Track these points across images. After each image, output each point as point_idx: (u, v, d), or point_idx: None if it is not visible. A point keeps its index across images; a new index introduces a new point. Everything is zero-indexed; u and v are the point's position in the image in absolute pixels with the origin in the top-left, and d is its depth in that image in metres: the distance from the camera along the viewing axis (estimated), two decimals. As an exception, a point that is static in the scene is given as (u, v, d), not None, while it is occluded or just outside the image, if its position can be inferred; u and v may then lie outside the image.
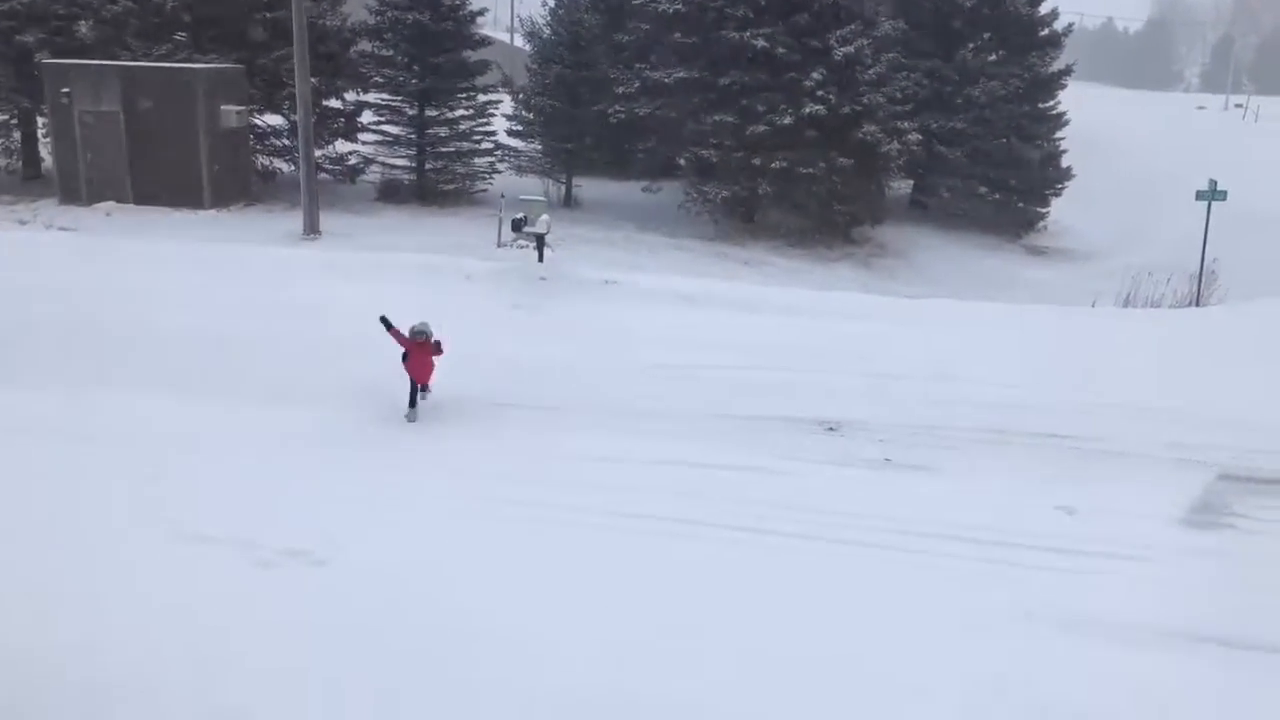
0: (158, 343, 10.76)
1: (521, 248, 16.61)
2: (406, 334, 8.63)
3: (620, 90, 25.94)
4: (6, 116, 24.64)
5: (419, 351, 8.67)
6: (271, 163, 26.10)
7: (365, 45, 26.01)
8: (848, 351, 12.66)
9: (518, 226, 16.05)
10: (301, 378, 9.88)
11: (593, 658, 5.73)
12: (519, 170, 27.47)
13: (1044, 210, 30.01)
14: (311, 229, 20.21)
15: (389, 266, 14.47)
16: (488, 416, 9.84)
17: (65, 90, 21.42)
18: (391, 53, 25.71)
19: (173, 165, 21.55)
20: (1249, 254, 21.90)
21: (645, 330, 12.93)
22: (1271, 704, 5.21)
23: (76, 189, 21.93)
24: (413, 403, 8.91)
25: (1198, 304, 18.33)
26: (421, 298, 11.71)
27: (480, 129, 26.70)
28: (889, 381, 11.44)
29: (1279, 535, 7.44)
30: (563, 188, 27.61)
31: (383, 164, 25.99)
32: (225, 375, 10.06)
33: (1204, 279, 19.36)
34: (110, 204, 21.66)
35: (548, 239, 15.70)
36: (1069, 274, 25.46)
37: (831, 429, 10.01)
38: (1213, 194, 20.83)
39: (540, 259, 15.35)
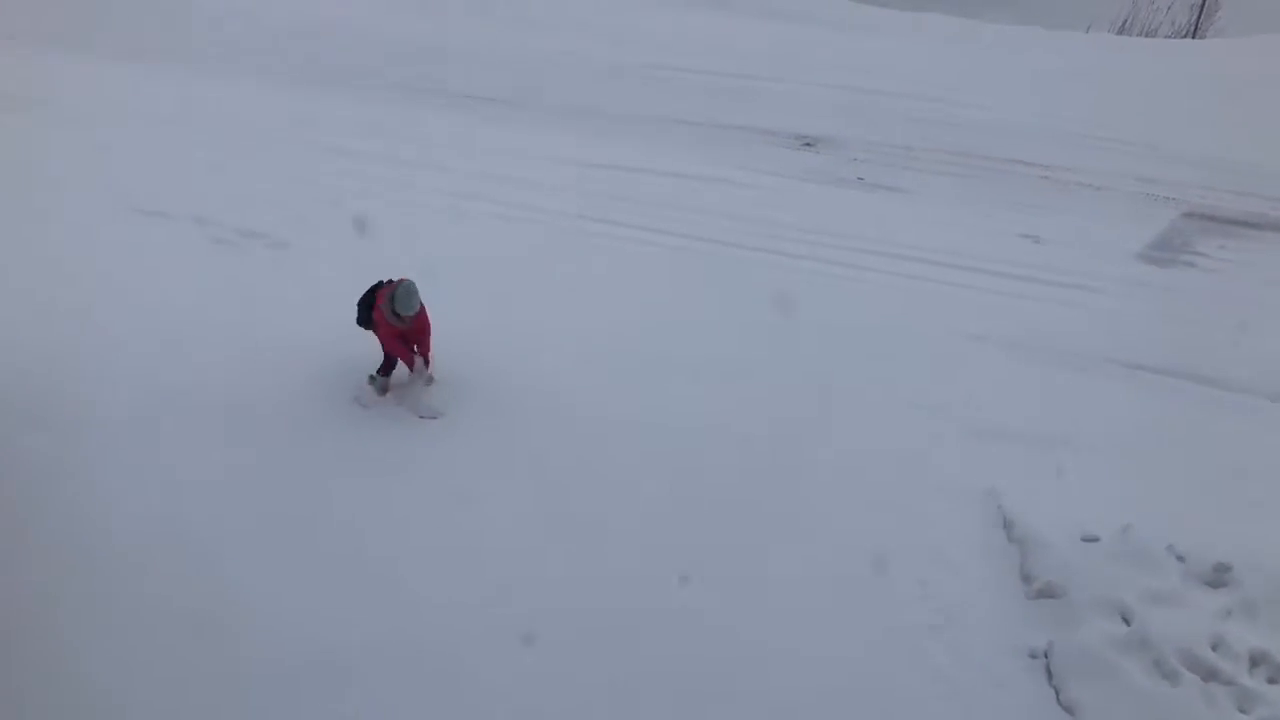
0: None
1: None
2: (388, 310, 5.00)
3: None
4: None
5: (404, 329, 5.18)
6: None
7: None
8: (833, 63, 12.17)
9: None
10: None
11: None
12: None
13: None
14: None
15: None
16: (452, 108, 9.43)
17: None
18: None
19: None
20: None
21: (612, 27, 12.24)
22: (1196, 427, 5.49)
23: None
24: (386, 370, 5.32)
25: (1194, 35, 17.65)
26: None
27: None
28: (873, 98, 11.09)
29: (1232, 275, 7.60)
30: None
31: None
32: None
33: (1205, 8, 18.50)
34: None
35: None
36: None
37: (808, 144, 9.79)
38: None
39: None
